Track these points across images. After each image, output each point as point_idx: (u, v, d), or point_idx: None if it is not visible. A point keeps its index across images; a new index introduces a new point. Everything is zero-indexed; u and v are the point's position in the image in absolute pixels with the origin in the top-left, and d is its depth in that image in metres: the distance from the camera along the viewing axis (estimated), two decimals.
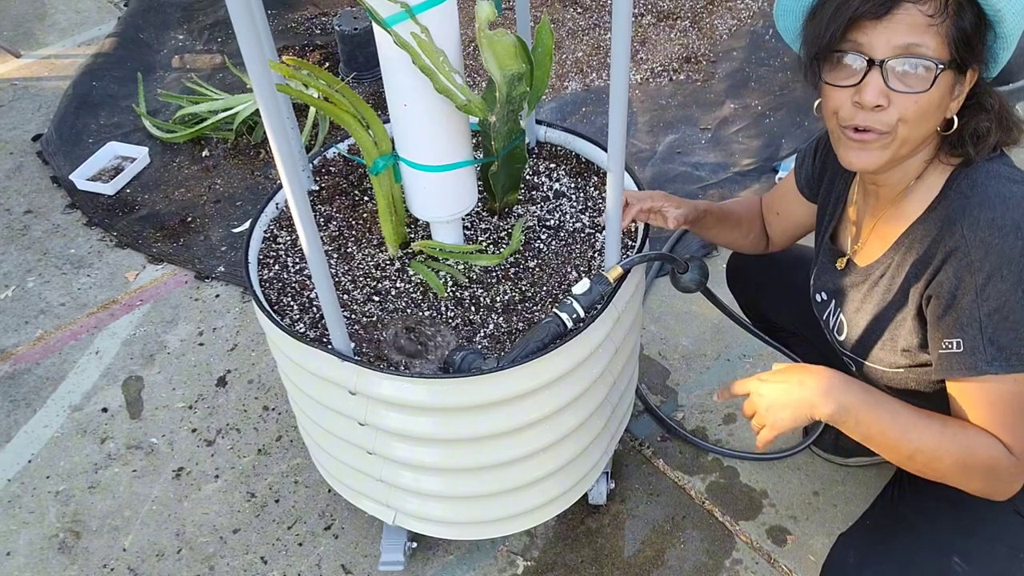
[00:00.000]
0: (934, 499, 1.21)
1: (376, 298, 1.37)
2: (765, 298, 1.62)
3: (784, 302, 1.56)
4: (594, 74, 2.97)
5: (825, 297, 1.31)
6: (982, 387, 1.01)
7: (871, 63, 0.98)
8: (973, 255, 0.99)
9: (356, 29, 2.80)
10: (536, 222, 1.49)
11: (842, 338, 1.26)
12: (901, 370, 1.18)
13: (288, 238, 1.47)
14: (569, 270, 1.40)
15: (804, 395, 1.05)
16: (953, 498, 1.11)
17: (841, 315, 1.26)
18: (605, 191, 1.37)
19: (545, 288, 1.37)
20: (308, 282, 1.39)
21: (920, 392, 1.18)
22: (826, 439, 1.74)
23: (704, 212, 1.40)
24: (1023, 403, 1.00)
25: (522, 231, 1.46)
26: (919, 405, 1.06)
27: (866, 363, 1.23)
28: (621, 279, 1.25)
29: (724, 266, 1.75)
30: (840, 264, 1.25)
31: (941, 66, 0.96)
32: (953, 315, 1.01)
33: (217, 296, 2.21)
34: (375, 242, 1.47)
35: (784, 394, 1.07)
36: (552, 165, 1.61)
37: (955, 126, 1.04)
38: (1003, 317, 0.98)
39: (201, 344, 2.08)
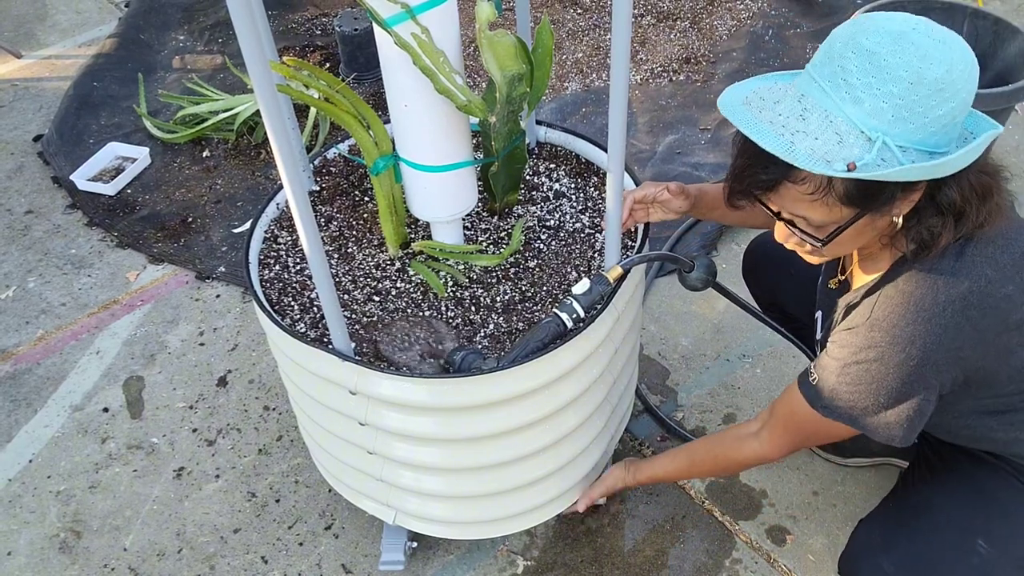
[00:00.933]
0: (955, 482, 1.23)
1: (376, 298, 1.37)
2: (781, 289, 1.62)
3: (800, 293, 1.57)
4: (594, 75, 2.97)
5: (821, 315, 1.35)
6: (799, 404, 1.17)
7: (777, 214, 1.04)
8: (861, 336, 1.06)
9: (356, 30, 2.81)
10: (536, 222, 1.49)
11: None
12: None
13: (289, 238, 1.47)
14: (569, 270, 1.40)
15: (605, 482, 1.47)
16: (975, 483, 1.13)
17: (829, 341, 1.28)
18: (605, 191, 1.37)
19: (545, 288, 1.38)
20: (309, 282, 1.40)
21: None
22: None
23: (702, 191, 1.42)
24: (801, 427, 1.19)
25: (522, 231, 1.46)
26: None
27: None
28: (621, 279, 1.26)
29: (725, 265, 1.75)
30: (833, 283, 1.28)
31: (833, 231, 1.01)
32: (827, 358, 1.13)
33: (218, 296, 2.22)
34: (375, 242, 1.47)
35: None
36: (552, 165, 1.61)
37: (899, 227, 1.03)
38: (840, 389, 1.10)
39: (202, 344, 2.08)
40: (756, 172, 1.00)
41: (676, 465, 1.43)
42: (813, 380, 1.15)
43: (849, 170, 0.90)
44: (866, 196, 0.95)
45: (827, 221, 1.00)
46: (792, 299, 1.60)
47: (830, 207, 0.97)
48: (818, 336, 1.35)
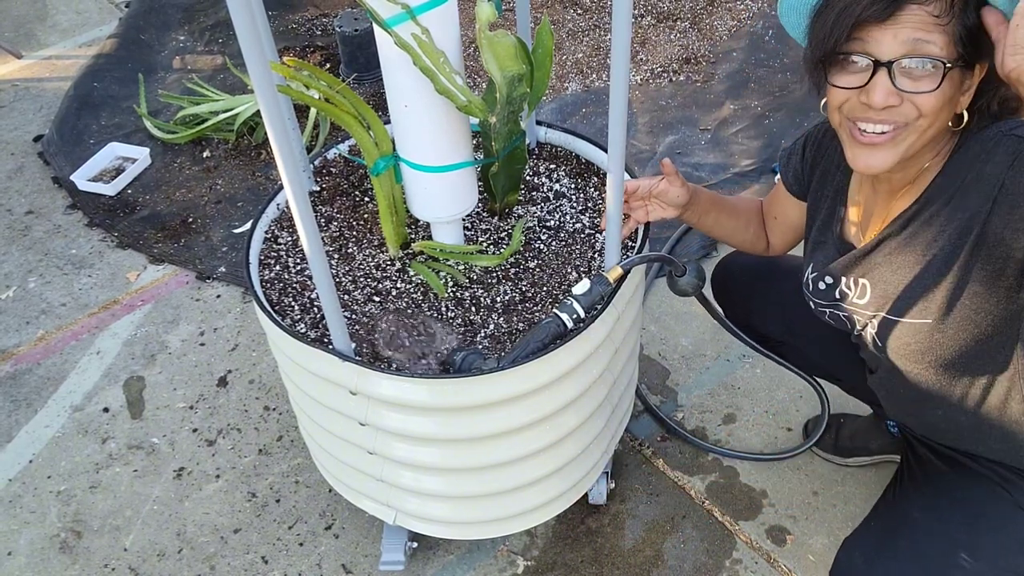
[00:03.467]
0: (936, 496, 1.21)
1: (376, 298, 1.37)
2: (753, 309, 1.60)
3: (772, 313, 1.55)
4: (594, 75, 2.98)
5: (832, 281, 1.27)
6: None
7: (877, 64, 0.98)
8: None
9: (357, 30, 2.81)
10: (536, 223, 1.49)
11: (864, 301, 1.22)
12: (929, 321, 1.13)
13: (289, 238, 1.48)
14: (569, 270, 1.40)
15: None
16: (956, 495, 1.12)
17: (862, 280, 1.21)
18: (605, 192, 1.37)
19: (545, 288, 1.38)
20: (309, 282, 1.40)
21: (940, 351, 1.15)
22: (825, 440, 1.75)
23: (698, 191, 1.42)
24: None
25: (522, 232, 1.46)
26: (935, 369, 1.11)
27: (902, 320, 1.17)
28: (621, 279, 1.26)
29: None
30: (852, 226, 1.23)
31: (948, 65, 0.96)
32: None
33: (218, 296, 2.22)
34: (376, 243, 1.47)
35: None
36: (552, 166, 1.61)
37: (964, 121, 1.03)
38: None
39: (202, 344, 2.08)
40: None
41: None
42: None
43: None
44: (970, 39, 0.96)
45: (949, 57, 0.97)
46: (762, 319, 1.58)
47: (950, 37, 0.95)
48: (846, 295, 1.25)
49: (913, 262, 1.12)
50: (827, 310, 1.31)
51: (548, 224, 1.49)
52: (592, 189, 1.55)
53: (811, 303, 1.34)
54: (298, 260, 1.44)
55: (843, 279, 1.24)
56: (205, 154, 2.68)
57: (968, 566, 1.12)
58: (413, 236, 1.48)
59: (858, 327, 1.26)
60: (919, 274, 1.12)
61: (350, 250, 1.46)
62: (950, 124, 1.04)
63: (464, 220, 1.46)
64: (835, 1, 1.01)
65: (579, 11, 3.32)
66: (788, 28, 1.15)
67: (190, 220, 2.45)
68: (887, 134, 1.03)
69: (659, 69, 2.98)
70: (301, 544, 1.67)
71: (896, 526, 1.24)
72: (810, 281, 1.33)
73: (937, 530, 1.18)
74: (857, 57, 1.00)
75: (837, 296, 1.27)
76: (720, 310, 1.54)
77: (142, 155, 2.64)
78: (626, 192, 1.35)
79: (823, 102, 1.10)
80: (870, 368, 1.35)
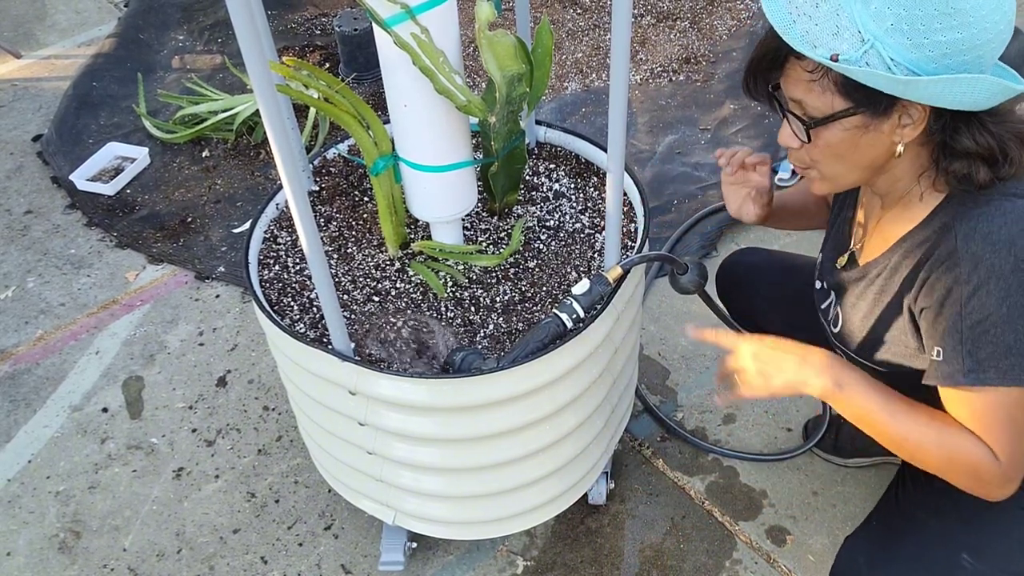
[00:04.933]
0: (939, 496, 1.21)
1: (376, 298, 1.37)
2: (757, 309, 1.61)
3: (775, 311, 1.56)
4: (594, 75, 2.97)
5: (825, 287, 1.32)
6: (961, 396, 1.02)
7: (783, 108, 1.06)
8: (963, 267, 0.99)
9: (356, 30, 2.80)
10: (536, 222, 1.49)
11: (837, 330, 1.27)
12: (883, 371, 1.19)
13: (288, 238, 1.47)
14: (569, 270, 1.40)
15: (802, 372, 1.08)
16: (958, 496, 1.11)
17: (838, 308, 1.27)
18: (605, 191, 1.37)
19: (545, 288, 1.38)
20: (308, 282, 1.40)
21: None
22: (826, 440, 1.74)
23: (780, 208, 1.42)
24: (1002, 413, 1.00)
25: (522, 231, 1.46)
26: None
27: (856, 358, 1.24)
28: (621, 279, 1.26)
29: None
30: (841, 261, 1.26)
31: (810, 122, 1.01)
32: (939, 324, 1.03)
33: (217, 296, 2.22)
34: (375, 242, 1.47)
35: (781, 365, 1.10)
36: (552, 165, 1.61)
37: (898, 155, 1.03)
38: (984, 331, 0.98)
39: (201, 344, 2.08)
40: (769, 47, 1.04)
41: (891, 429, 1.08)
42: (960, 361, 1.00)
43: (831, 60, 0.92)
44: (858, 89, 0.95)
45: (823, 111, 1.00)
46: (765, 317, 1.59)
47: (826, 93, 0.98)
48: (829, 315, 1.31)
49: (868, 305, 1.18)
50: (825, 309, 1.32)
51: (548, 224, 1.49)
52: (592, 189, 1.55)
53: (814, 296, 1.37)
54: (297, 260, 1.44)
55: (832, 293, 1.30)
56: (204, 154, 2.68)
57: (971, 568, 1.12)
58: (412, 236, 1.48)
59: (838, 347, 1.30)
60: (869, 317, 1.18)
61: (349, 250, 1.46)
62: (895, 157, 1.03)
63: (463, 220, 1.46)
64: (764, 37, 1.07)
65: (579, 11, 3.32)
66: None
67: (189, 220, 2.45)
68: (803, 169, 1.10)
69: (659, 69, 2.98)
70: (300, 544, 1.66)
71: (899, 526, 1.23)
72: (816, 273, 1.37)
73: (940, 531, 1.18)
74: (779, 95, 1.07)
75: (823, 307, 1.33)
76: (723, 308, 1.54)
77: (141, 155, 2.64)
78: (724, 157, 1.36)
79: None
80: None
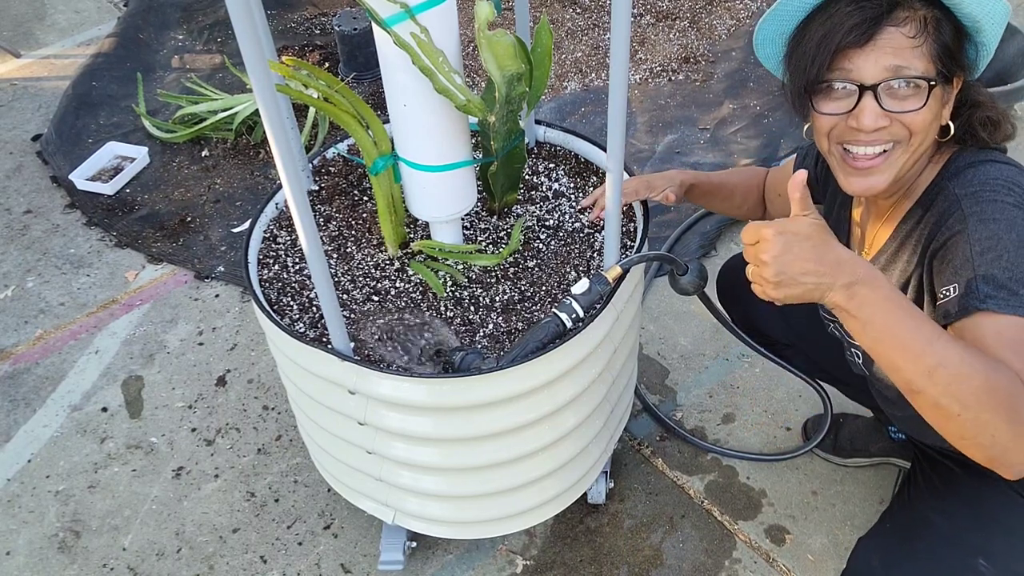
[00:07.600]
0: (952, 498, 1.21)
1: (376, 298, 1.37)
2: (758, 312, 1.60)
3: (777, 316, 1.56)
4: (593, 74, 2.97)
5: None
6: (980, 323, 0.93)
7: (863, 89, 1.00)
8: (965, 206, 1.00)
9: (356, 29, 2.80)
10: (535, 222, 1.49)
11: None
12: None
13: (288, 238, 1.47)
14: (568, 270, 1.40)
15: (822, 276, 0.90)
16: (974, 498, 1.12)
17: None
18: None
19: (544, 288, 1.38)
20: (308, 282, 1.40)
21: None
22: (825, 440, 1.74)
23: (691, 187, 1.46)
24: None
25: (521, 231, 1.46)
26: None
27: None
28: (620, 279, 1.26)
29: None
30: None
31: (932, 83, 0.99)
32: (949, 265, 0.99)
33: (217, 296, 2.22)
34: (375, 242, 1.47)
35: (801, 265, 0.91)
36: (551, 165, 1.61)
37: (951, 132, 1.05)
38: (997, 256, 0.94)
39: (201, 344, 2.08)
40: (844, 23, 0.98)
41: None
42: (977, 289, 0.94)
43: None
44: (947, 55, 0.99)
45: (924, 76, 0.99)
46: (767, 321, 1.58)
47: (927, 56, 0.98)
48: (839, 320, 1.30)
49: None
50: (830, 322, 1.32)
51: (547, 223, 1.49)
52: (591, 188, 1.55)
53: (820, 309, 1.35)
54: (297, 259, 1.44)
55: None
56: (204, 153, 2.68)
57: (985, 571, 1.12)
58: (412, 235, 1.48)
59: (847, 347, 1.28)
60: None
61: (349, 249, 1.46)
62: (937, 137, 1.06)
63: (463, 219, 1.46)
64: (813, 30, 1.03)
65: (578, 10, 3.32)
66: (763, 60, 1.18)
67: (189, 219, 2.45)
68: (880, 156, 1.05)
69: (658, 68, 2.98)
70: (300, 544, 1.66)
71: (912, 528, 1.23)
72: None
73: (953, 534, 1.18)
74: (840, 83, 1.02)
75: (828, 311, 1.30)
76: (723, 309, 1.54)
77: (140, 154, 2.64)
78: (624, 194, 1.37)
79: (807, 127, 1.13)
80: (869, 381, 1.36)
